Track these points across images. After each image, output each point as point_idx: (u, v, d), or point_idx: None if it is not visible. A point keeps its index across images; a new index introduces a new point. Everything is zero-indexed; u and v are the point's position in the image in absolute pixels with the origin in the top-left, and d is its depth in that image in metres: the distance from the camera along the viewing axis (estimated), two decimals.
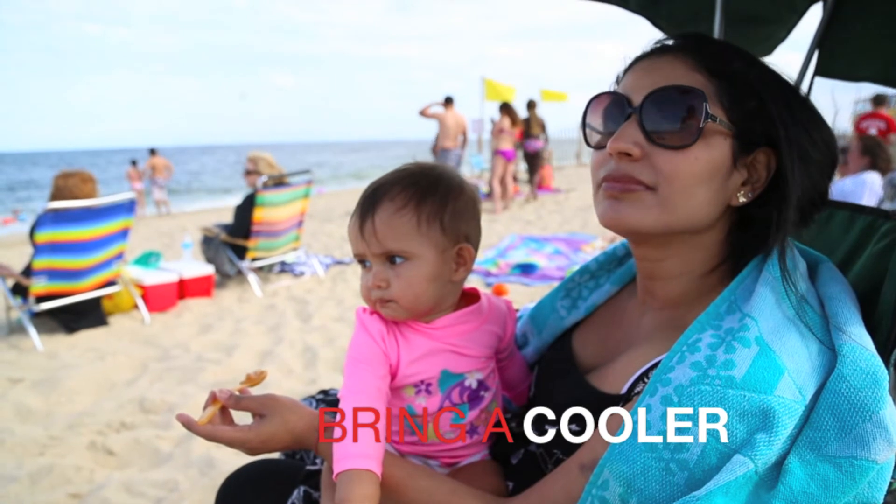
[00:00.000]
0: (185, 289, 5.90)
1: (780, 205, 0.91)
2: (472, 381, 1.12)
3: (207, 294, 6.07)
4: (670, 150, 0.88)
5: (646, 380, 0.89)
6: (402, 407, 1.10)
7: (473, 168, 18.69)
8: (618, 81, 1.00)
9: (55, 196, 4.92)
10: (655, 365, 0.89)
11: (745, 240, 0.95)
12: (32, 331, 4.78)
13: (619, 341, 1.06)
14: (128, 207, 5.15)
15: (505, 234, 8.96)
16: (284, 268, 7.14)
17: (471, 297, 1.19)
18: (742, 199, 0.93)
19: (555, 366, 1.17)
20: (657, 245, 0.96)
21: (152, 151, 18.07)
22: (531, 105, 13.54)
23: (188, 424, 1.01)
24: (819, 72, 1.53)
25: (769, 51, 1.76)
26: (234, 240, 6.23)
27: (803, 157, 0.90)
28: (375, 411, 0.99)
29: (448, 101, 11.54)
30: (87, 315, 5.11)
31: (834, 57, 1.51)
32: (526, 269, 6.42)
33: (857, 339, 0.80)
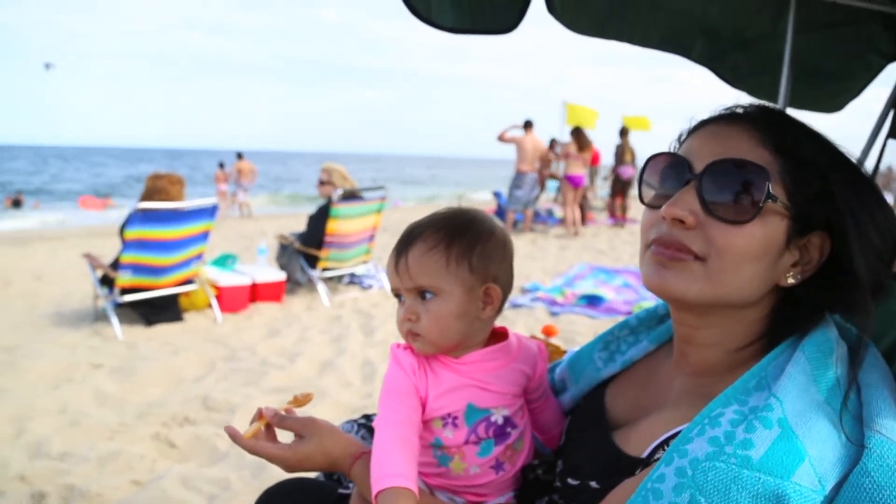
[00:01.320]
0: (257, 292, 6.14)
1: (827, 289, 0.91)
2: (498, 417, 1.16)
3: (278, 299, 6.30)
4: (726, 223, 0.88)
5: (665, 447, 0.90)
6: (431, 439, 1.15)
7: (549, 192, 18.60)
8: (680, 141, 1.01)
9: (146, 196, 5.25)
10: (677, 433, 0.89)
11: (786, 319, 0.94)
12: (115, 320, 5.09)
13: (649, 402, 1.06)
14: (210, 212, 5.42)
15: (575, 262, 8.88)
16: (353, 279, 7.31)
17: (500, 335, 1.23)
18: (791, 280, 0.92)
19: (585, 418, 1.18)
20: (698, 313, 0.96)
21: (239, 155, 18.87)
22: (624, 132, 13.45)
23: (234, 437, 1.10)
24: (893, 133, 1.49)
25: (839, 108, 1.71)
26: (306, 249, 6.44)
27: (864, 242, 0.89)
28: (408, 440, 1.05)
29: (527, 125, 11.56)
30: (165, 310, 5.40)
31: None
32: (592, 301, 6.34)
33: (888, 433, 0.77)
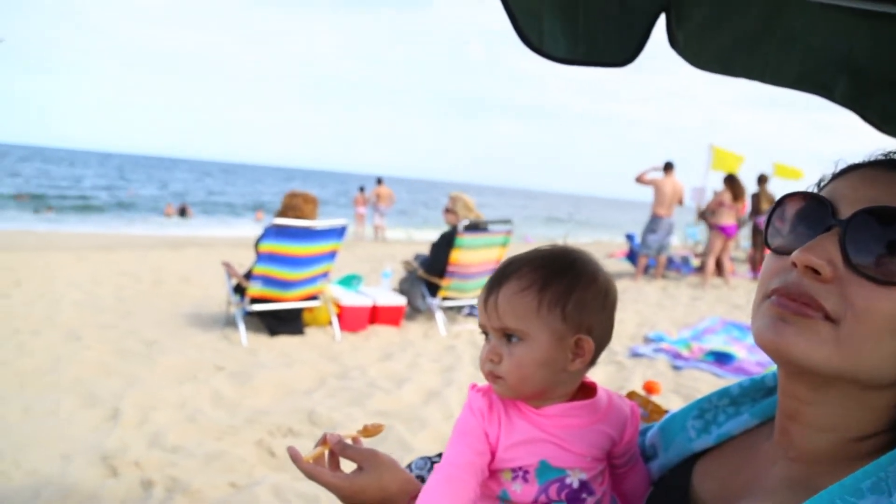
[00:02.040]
0: (377, 315, 6.28)
1: None
2: (573, 480, 1.05)
3: (396, 324, 6.40)
4: (872, 282, 0.73)
5: None
6: (498, 491, 1.06)
7: (687, 239, 17.75)
8: (820, 186, 0.87)
9: (282, 212, 5.55)
10: None
11: None
12: (242, 327, 5.39)
13: (742, 487, 0.91)
14: (339, 232, 5.63)
15: (707, 314, 8.33)
16: (472, 312, 7.30)
17: (589, 390, 1.12)
18: None
19: (669, 495, 1.04)
20: (815, 386, 0.80)
21: (379, 181, 19.65)
22: (762, 180, 12.62)
23: (295, 458, 1.08)
24: None
25: None
26: (429, 276, 6.51)
27: None
28: (462, 483, 0.98)
29: (668, 167, 11.12)
30: (288, 322, 5.65)
31: None
32: (721, 358, 5.89)
33: None
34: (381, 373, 4.86)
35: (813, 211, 0.81)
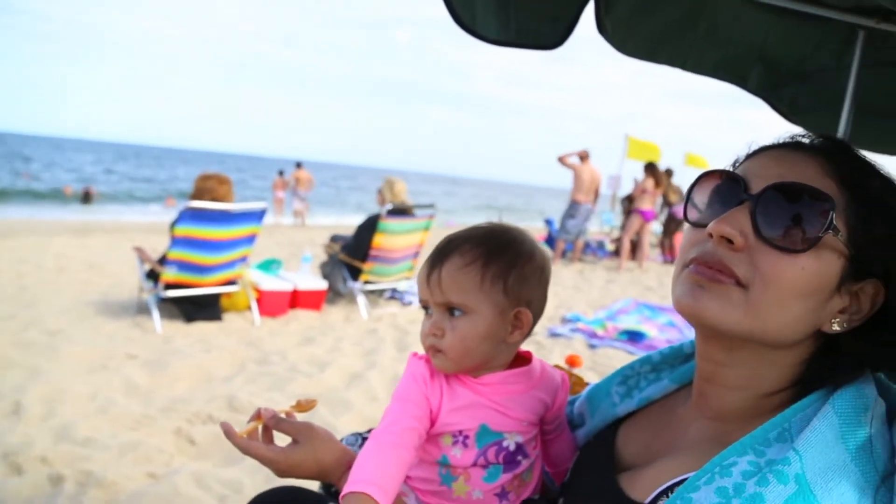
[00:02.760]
0: (297, 299, 6.18)
1: (873, 342, 0.82)
2: (510, 443, 1.09)
3: (317, 308, 6.32)
4: (777, 250, 0.80)
5: (670, 493, 0.81)
6: (438, 456, 1.08)
7: (603, 224, 18.34)
8: (734, 165, 0.93)
9: (195, 195, 5.36)
10: (684, 480, 0.80)
11: (823, 369, 0.84)
12: (156, 314, 5.19)
13: (662, 446, 0.97)
14: (258, 215, 5.50)
15: (621, 296, 8.66)
16: (394, 295, 7.30)
17: (524, 359, 1.16)
18: (836, 328, 0.83)
19: (594, 456, 1.09)
20: (728, 347, 0.87)
21: (298, 165, 19.26)
22: (668, 174, 13.24)
23: (228, 433, 1.08)
24: None
25: None
26: (350, 260, 6.46)
27: None
28: (399, 448, 1.00)
29: (583, 156, 11.45)
30: (205, 308, 5.48)
31: None
32: (634, 337, 6.15)
33: None
34: (302, 357, 4.80)
35: (727, 187, 0.87)
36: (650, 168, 11.88)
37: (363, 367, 4.69)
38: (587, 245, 12.92)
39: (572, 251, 12.03)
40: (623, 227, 12.27)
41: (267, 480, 2.85)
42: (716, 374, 0.90)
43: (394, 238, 6.40)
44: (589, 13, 1.50)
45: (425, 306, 1.12)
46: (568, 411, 1.30)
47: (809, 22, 1.46)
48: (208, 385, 4.04)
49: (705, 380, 0.93)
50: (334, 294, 6.77)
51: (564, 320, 6.70)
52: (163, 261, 5.26)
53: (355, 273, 6.49)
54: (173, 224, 5.21)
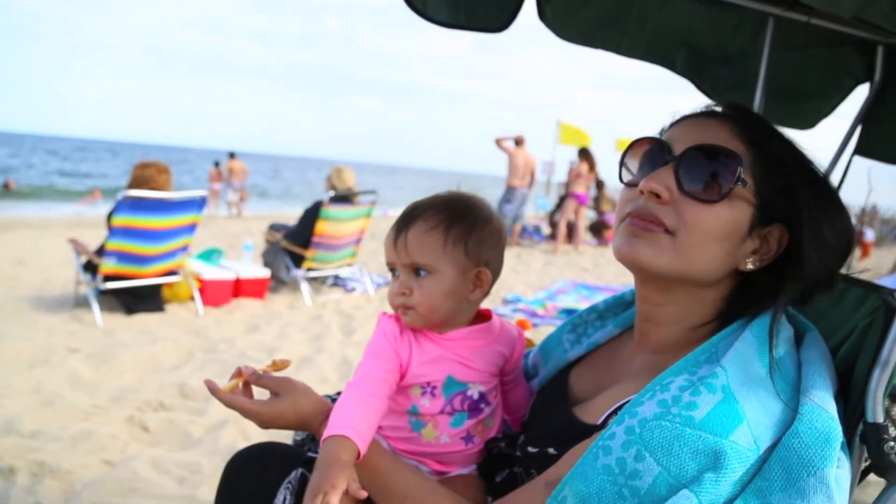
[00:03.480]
0: (240, 288, 6.15)
1: (782, 278, 0.97)
2: (474, 392, 1.21)
3: (260, 296, 6.30)
4: (697, 201, 0.95)
5: (618, 413, 0.95)
6: (408, 406, 1.19)
7: (538, 209, 18.71)
8: (660, 133, 1.08)
9: (133, 184, 5.25)
10: (630, 400, 0.94)
11: (742, 303, 1.01)
12: (96, 307, 5.08)
13: (609, 379, 1.11)
14: (198, 204, 5.44)
15: (559, 277, 8.94)
16: (337, 282, 7.33)
17: (484, 317, 1.28)
18: (749, 266, 0.99)
19: (549, 395, 1.23)
20: (661, 289, 1.02)
21: (232, 155, 18.84)
22: (599, 185, 13.75)
23: (213, 390, 1.14)
24: (858, 150, 1.55)
25: (811, 125, 1.78)
26: (293, 247, 6.46)
27: (820, 240, 0.96)
28: (373, 397, 1.09)
29: (519, 141, 11.69)
30: (146, 299, 5.40)
31: (875, 138, 1.53)
32: (572, 315, 6.40)
33: (818, 402, 0.84)
34: (249, 344, 4.81)
35: (655, 151, 1.03)
36: (584, 153, 12.25)
37: (312, 352, 4.74)
38: (524, 229, 13.22)
39: (510, 235, 12.29)
40: (559, 211, 12.62)
41: (224, 460, 2.89)
42: (653, 313, 1.05)
43: (337, 225, 6.43)
44: (531, 1, 1.63)
45: (392, 268, 1.22)
46: (524, 364, 1.44)
47: (727, 9, 1.63)
48: (156, 374, 4.02)
49: (644, 319, 1.08)
50: (277, 282, 6.76)
51: (506, 301, 6.90)
52: (100, 252, 5.15)
53: (298, 260, 6.49)
54: (110, 214, 5.10)
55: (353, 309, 6.29)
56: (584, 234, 13.21)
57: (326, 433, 1.03)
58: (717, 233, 0.95)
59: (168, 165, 5.57)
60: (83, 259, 5.30)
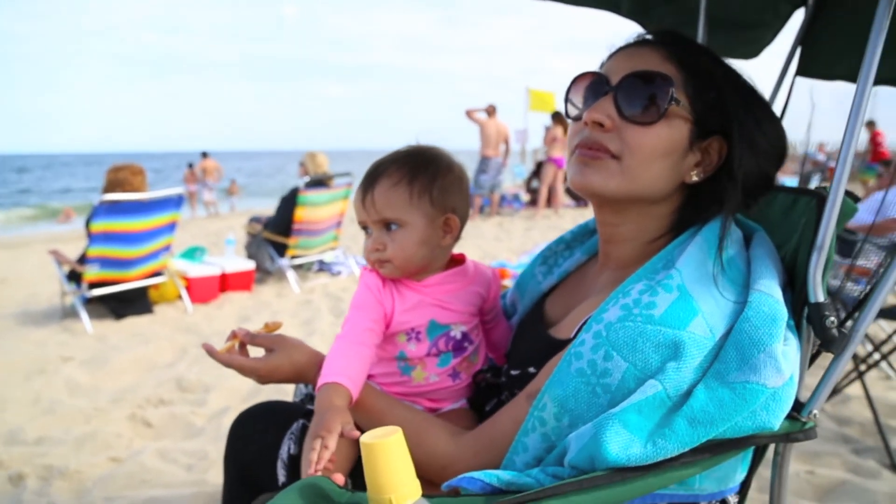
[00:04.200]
0: (226, 282, 6.18)
1: (725, 185, 1.05)
2: (456, 333, 1.28)
3: (248, 288, 6.34)
4: (637, 125, 1.02)
5: None
6: (396, 352, 1.27)
7: (516, 177, 18.77)
8: (600, 67, 1.14)
9: (108, 188, 5.24)
10: None
11: (691, 213, 1.08)
12: (84, 315, 5.10)
13: (579, 299, 1.19)
14: (176, 202, 5.44)
15: (541, 240, 9.04)
16: (322, 267, 7.37)
17: (458, 261, 1.35)
18: (694, 178, 1.06)
19: (527, 324, 1.31)
20: (616, 210, 1.10)
21: (204, 154, 18.69)
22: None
23: (211, 352, 1.21)
24: (800, 71, 1.63)
25: (755, 53, 1.85)
26: (274, 237, 6.49)
27: (753, 146, 1.04)
28: (361, 346, 1.17)
29: (490, 109, 11.69)
30: (134, 303, 5.41)
31: (813, 57, 1.60)
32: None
33: (765, 290, 0.92)
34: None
35: (595, 84, 1.09)
36: (557, 116, 12.24)
37: (304, 335, 4.80)
38: (503, 198, 13.28)
39: (489, 206, 12.36)
40: (539, 178, 12.68)
41: None
42: (612, 234, 1.13)
43: (315, 210, 6.46)
44: None
45: (364, 227, 1.28)
46: (502, 304, 1.52)
47: None
48: (153, 373, 4.06)
49: (605, 241, 1.16)
50: (263, 273, 6.80)
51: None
52: (83, 260, 5.15)
53: (281, 250, 6.53)
54: (88, 220, 5.09)
55: (340, 291, 6.35)
56: (563, 198, 13.31)
57: (320, 382, 1.10)
58: (659, 151, 1.01)
59: (142, 167, 5.56)
60: (66, 269, 5.30)
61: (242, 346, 1.27)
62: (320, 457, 0.97)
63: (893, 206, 5.15)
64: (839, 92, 1.63)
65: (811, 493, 2.58)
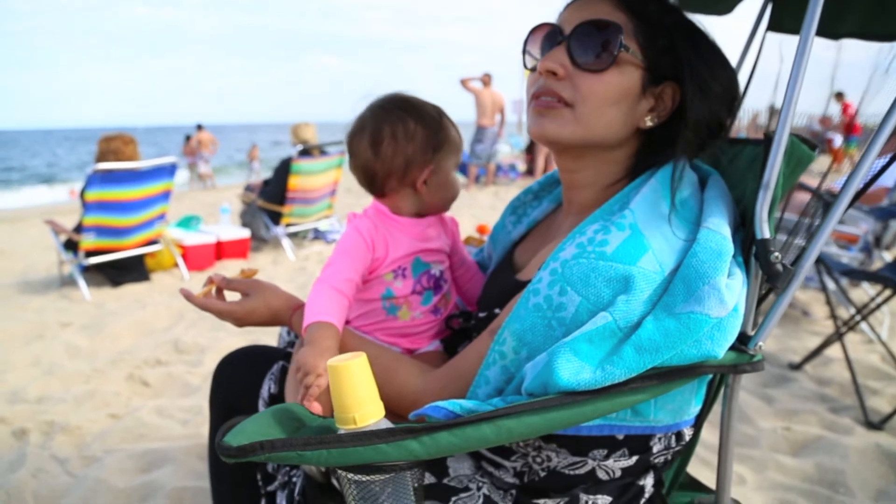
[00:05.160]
0: (222, 250, 6.24)
1: (679, 129, 1.09)
2: (436, 271, 1.36)
3: (243, 256, 6.40)
4: (589, 72, 1.06)
5: None
6: (382, 291, 1.32)
7: (513, 148, 18.73)
8: (557, 18, 1.17)
9: (100, 158, 5.27)
10: None
11: (647, 157, 1.13)
12: (82, 282, 5.17)
13: (544, 244, 1.25)
14: (169, 171, 5.47)
15: None
16: (317, 235, 7.43)
17: None
18: (649, 123, 1.11)
19: (496, 272, 1.37)
20: (574, 157, 1.14)
21: (199, 127, 18.61)
22: None
23: (188, 296, 1.26)
24: (771, 26, 1.66)
25: (728, 10, 1.87)
26: (269, 205, 6.53)
27: (704, 90, 1.08)
28: (341, 292, 1.22)
29: (486, 79, 11.63)
30: (131, 270, 5.48)
31: (783, 12, 1.64)
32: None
33: (713, 227, 0.97)
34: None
35: (549, 35, 1.14)
36: None
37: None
38: (499, 168, 13.29)
39: (485, 175, 12.37)
40: (535, 147, 12.68)
41: None
42: (573, 180, 1.19)
43: (309, 178, 6.49)
44: None
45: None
46: (479, 258, 1.58)
47: None
48: (151, 336, 4.14)
49: (567, 188, 1.21)
50: (258, 241, 6.86)
51: None
52: (78, 229, 5.20)
53: (276, 218, 6.58)
54: (83, 190, 5.13)
55: None
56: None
57: (307, 321, 1.14)
58: (611, 97, 1.06)
59: (133, 136, 5.58)
60: (63, 238, 5.36)
61: (219, 291, 1.32)
62: (310, 393, 1.02)
63: (885, 175, 5.20)
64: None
65: (786, 447, 2.68)
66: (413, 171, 1.29)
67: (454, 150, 1.34)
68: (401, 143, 1.27)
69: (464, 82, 11.52)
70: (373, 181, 1.31)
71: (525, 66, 1.18)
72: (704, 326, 0.90)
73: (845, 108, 12.37)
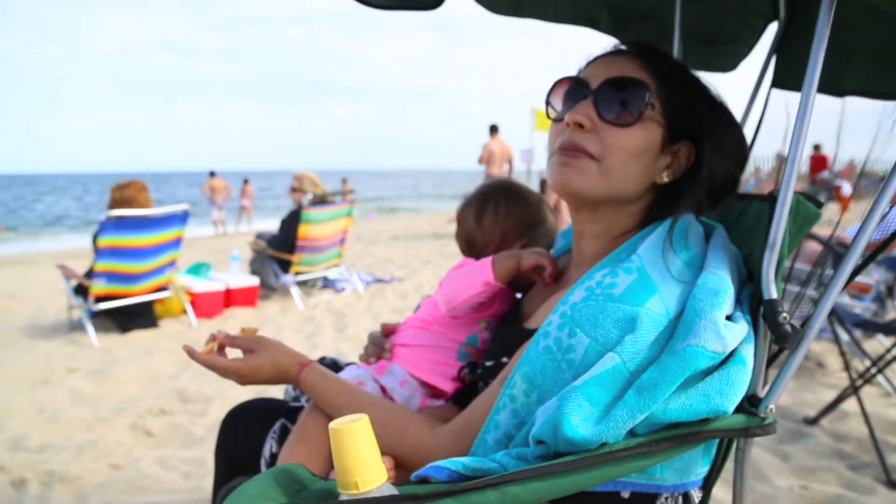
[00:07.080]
0: (231, 298, 6.25)
1: (692, 186, 1.11)
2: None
3: (252, 304, 6.40)
4: (615, 126, 1.08)
5: None
6: (468, 334, 1.41)
7: None
8: (578, 73, 1.21)
9: (114, 206, 5.34)
10: None
11: (660, 211, 1.15)
12: (90, 328, 5.17)
13: (554, 293, 1.25)
14: (181, 218, 5.53)
15: None
16: (327, 283, 7.44)
17: None
18: (665, 179, 1.13)
19: (504, 322, 1.38)
20: (592, 208, 1.16)
21: (212, 174, 18.89)
22: None
23: (191, 353, 1.24)
24: (775, 83, 1.68)
25: (733, 67, 1.91)
26: (278, 254, 6.56)
27: (719, 150, 1.12)
28: None
29: (493, 130, 11.84)
30: (139, 317, 5.49)
31: (787, 69, 1.66)
32: None
33: (713, 270, 0.99)
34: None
35: (575, 88, 1.16)
36: None
37: (307, 349, 4.85)
38: None
39: None
40: (544, 195, 12.78)
41: None
42: (585, 230, 1.20)
43: (318, 227, 6.54)
44: None
45: None
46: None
47: None
48: (156, 384, 4.12)
49: (578, 238, 1.23)
50: (267, 289, 6.87)
51: None
52: (90, 274, 5.24)
53: (285, 266, 6.60)
54: (96, 236, 5.19)
55: (344, 307, 6.40)
56: (567, 216, 13.36)
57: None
58: (634, 151, 1.08)
59: (146, 183, 5.67)
60: (73, 283, 5.39)
61: (221, 348, 1.30)
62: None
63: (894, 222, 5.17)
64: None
65: None
66: (507, 244, 1.41)
67: (547, 232, 1.47)
68: (501, 218, 1.40)
69: (481, 160, 11.83)
70: (472, 247, 1.46)
71: (548, 116, 1.20)
72: (701, 359, 0.89)
73: (815, 160, 12.44)
